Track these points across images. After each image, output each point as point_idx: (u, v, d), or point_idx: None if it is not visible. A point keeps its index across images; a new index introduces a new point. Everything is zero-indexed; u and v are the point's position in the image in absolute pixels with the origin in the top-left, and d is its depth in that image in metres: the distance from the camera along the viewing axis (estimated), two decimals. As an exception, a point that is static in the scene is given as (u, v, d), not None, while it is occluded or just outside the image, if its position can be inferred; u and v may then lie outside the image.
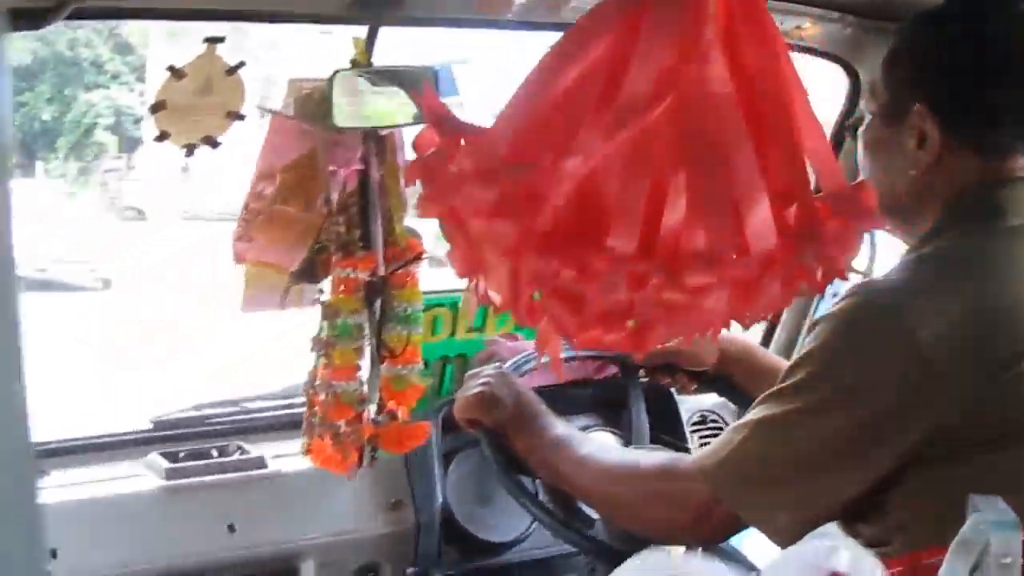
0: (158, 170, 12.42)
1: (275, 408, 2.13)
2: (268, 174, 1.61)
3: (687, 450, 2.04)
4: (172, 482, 1.83)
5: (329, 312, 1.64)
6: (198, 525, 1.82)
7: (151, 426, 2.00)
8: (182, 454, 1.90)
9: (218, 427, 2.05)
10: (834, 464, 1.38)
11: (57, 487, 1.75)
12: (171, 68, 1.47)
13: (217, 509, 1.85)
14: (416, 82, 1.60)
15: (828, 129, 2.11)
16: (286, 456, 1.95)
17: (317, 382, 1.66)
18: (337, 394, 1.62)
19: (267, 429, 2.07)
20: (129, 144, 14.17)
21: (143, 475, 1.85)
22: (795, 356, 1.47)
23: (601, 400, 2.10)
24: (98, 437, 1.98)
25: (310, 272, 1.68)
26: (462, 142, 1.09)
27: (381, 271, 1.68)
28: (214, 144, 1.57)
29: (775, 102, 1.09)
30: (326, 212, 1.62)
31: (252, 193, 1.62)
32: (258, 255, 1.62)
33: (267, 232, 1.60)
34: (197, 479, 1.86)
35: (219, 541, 1.82)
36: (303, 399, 1.80)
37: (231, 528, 1.83)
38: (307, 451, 1.74)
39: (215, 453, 1.94)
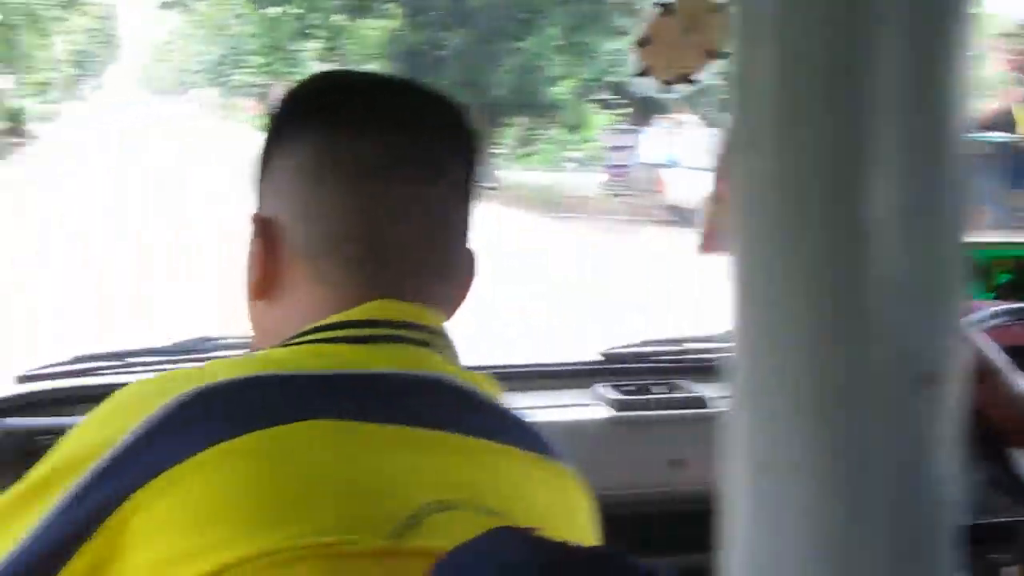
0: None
1: (717, 351, 2.14)
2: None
3: None
4: (621, 414, 1.89)
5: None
6: (642, 458, 1.88)
7: (600, 359, 2.07)
8: (628, 388, 1.96)
9: (662, 364, 2.09)
10: None
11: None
12: (661, 4, 1.50)
13: (661, 444, 1.89)
14: None
15: None
16: (727, 398, 1.96)
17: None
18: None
19: (708, 371, 2.09)
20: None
21: (593, 405, 1.92)
22: None
23: None
24: (549, 365, 2.09)
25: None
26: None
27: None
28: (690, 82, 1.59)
29: None
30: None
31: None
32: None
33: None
34: (643, 413, 1.91)
35: (662, 475, 1.86)
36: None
37: (673, 464, 1.87)
38: None
39: (659, 390, 1.98)
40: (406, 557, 0.77)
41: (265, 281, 0.94)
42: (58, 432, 1.53)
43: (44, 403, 1.73)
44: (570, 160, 16.30)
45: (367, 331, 0.89)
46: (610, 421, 1.88)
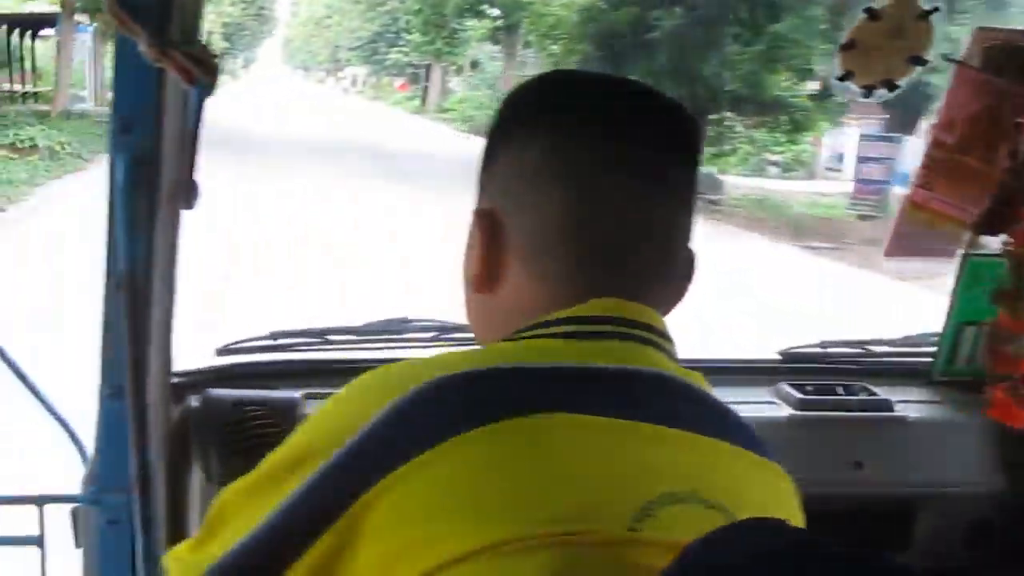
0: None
1: (900, 355, 2.14)
2: (949, 124, 1.62)
3: None
4: (802, 413, 1.91)
5: (1014, 264, 1.62)
6: (824, 457, 1.89)
7: (780, 358, 2.09)
8: (809, 388, 1.97)
9: (842, 366, 2.10)
10: None
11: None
12: (868, 9, 1.52)
13: (843, 445, 1.90)
14: None
15: None
16: (910, 402, 1.97)
17: (1002, 334, 1.65)
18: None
19: (890, 373, 2.09)
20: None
21: (774, 403, 1.95)
22: None
23: None
24: (729, 362, 2.12)
25: (990, 224, 1.66)
26: None
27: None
28: (892, 87, 1.60)
29: None
30: (1008, 165, 1.59)
31: (934, 142, 1.63)
32: (939, 205, 1.64)
33: (947, 182, 1.61)
34: (825, 413, 1.92)
35: (844, 475, 1.87)
36: (930, 348, 1.79)
37: (857, 465, 1.88)
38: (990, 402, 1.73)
39: (840, 391, 1.98)
40: (643, 547, 0.80)
41: (486, 274, 0.99)
42: (258, 403, 1.66)
43: (244, 376, 1.82)
44: (772, 164, 14.80)
45: (594, 327, 0.93)
46: (792, 420, 1.89)
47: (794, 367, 2.06)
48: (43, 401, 1.63)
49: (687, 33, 16.07)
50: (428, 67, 43.77)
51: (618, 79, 1.03)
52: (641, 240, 0.96)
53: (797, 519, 0.96)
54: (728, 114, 17.88)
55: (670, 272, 0.99)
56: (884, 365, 2.12)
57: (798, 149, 19.90)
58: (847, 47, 1.55)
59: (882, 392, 1.97)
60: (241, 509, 0.90)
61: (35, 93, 25.32)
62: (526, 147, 0.97)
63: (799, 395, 1.93)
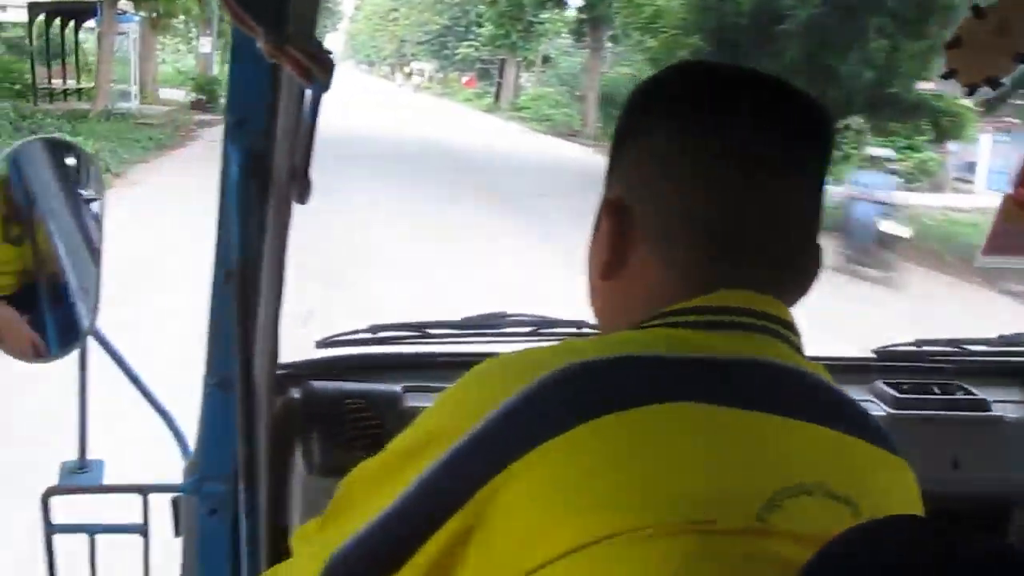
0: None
1: (996, 354, 2.12)
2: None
3: None
4: (898, 412, 1.90)
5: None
6: (920, 456, 1.87)
7: (875, 356, 2.08)
8: (905, 386, 1.95)
9: (938, 365, 2.08)
10: None
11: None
12: (975, 7, 1.51)
13: (939, 444, 1.88)
14: None
15: None
16: (1007, 402, 1.95)
17: None
18: None
19: (986, 373, 2.07)
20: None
21: (870, 401, 1.93)
22: None
23: None
24: (824, 359, 2.10)
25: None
26: None
27: None
28: (995, 85, 1.59)
29: None
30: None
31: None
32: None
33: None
34: (922, 412, 1.91)
35: (940, 475, 1.85)
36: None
37: (954, 464, 1.86)
38: None
39: (936, 390, 1.97)
40: (772, 537, 0.82)
41: (614, 262, 1.00)
42: (359, 396, 1.69)
43: (344, 369, 1.84)
44: (891, 173, 13.65)
45: (724, 318, 0.93)
46: (889, 418, 1.88)
47: (889, 365, 2.05)
48: (145, 392, 1.67)
49: (825, 25, 14.55)
50: (502, 62, 42.78)
51: (749, 70, 1.03)
52: (770, 232, 0.97)
53: (919, 511, 0.96)
54: (856, 118, 16.47)
55: (799, 264, 1.00)
56: (980, 364, 2.10)
57: (922, 157, 18.47)
58: (952, 45, 1.54)
59: (979, 392, 1.96)
60: (368, 492, 0.92)
61: (78, 90, 24.05)
62: (657, 136, 0.98)
63: (896, 394, 1.92)
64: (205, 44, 32.16)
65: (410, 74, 77.32)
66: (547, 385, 0.86)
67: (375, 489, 0.91)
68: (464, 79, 58.01)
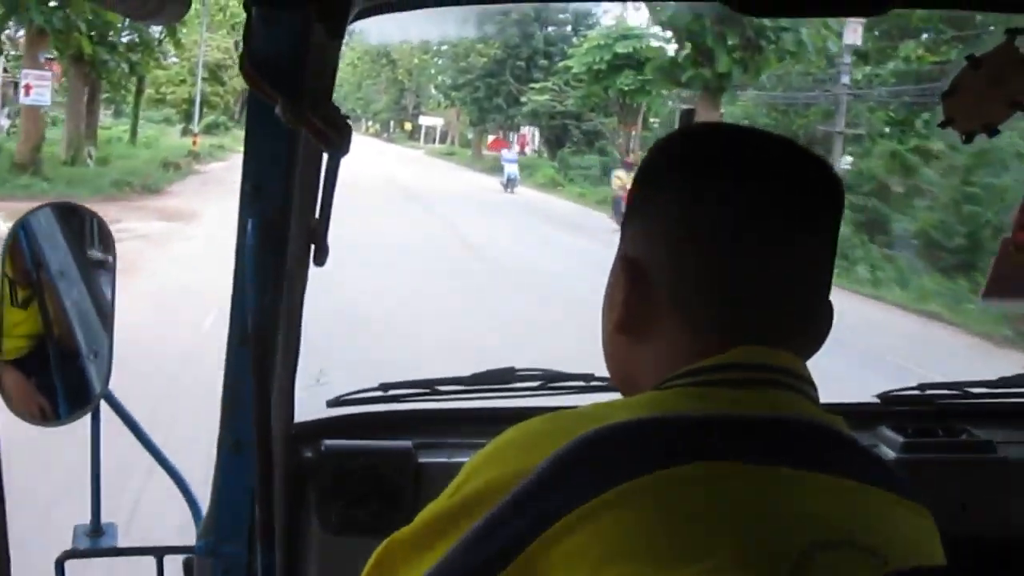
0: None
1: (999, 395, 2.14)
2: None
3: None
4: (905, 456, 1.91)
5: None
6: (928, 500, 1.88)
7: (878, 401, 2.10)
8: (910, 431, 1.97)
9: (942, 408, 2.10)
10: None
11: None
12: (970, 57, 1.54)
13: (947, 487, 1.89)
14: None
15: None
16: (1012, 443, 1.96)
17: None
18: None
19: (990, 415, 2.08)
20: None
21: (876, 446, 1.94)
22: None
23: None
24: (830, 406, 2.12)
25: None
26: None
27: None
28: (991, 132, 1.62)
29: None
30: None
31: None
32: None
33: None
34: (928, 455, 1.92)
35: (948, 518, 1.85)
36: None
37: (962, 507, 1.87)
38: None
39: (941, 433, 1.98)
40: None
41: (629, 320, 1.01)
42: (372, 454, 1.69)
43: (356, 427, 1.85)
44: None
45: (742, 375, 0.95)
46: (896, 463, 1.89)
47: (894, 410, 2.07)
48: (157, 455, 1.67)
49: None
50: (626, 120, 34.04)
51: (761, 132, 1.05)
52: (785, 291, 0.98)
53: (940, 557, 0.97)
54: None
55: (811, 321, 1.01)
56: (983, 407, 2.12)
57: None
58: (949, 95, 1.58)
59: (983, 433, 1.97)
60: (407, 561, 0.93)
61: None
62: (673, 197, 1.00)
63: (901, 438, 1.93)
64: (41, 92, 22.95)
65: (412, 130, 68.04)
66: (579, 450, 0.87)
67: (413, 558, 0.92)
68: (491, 138, 47.79)
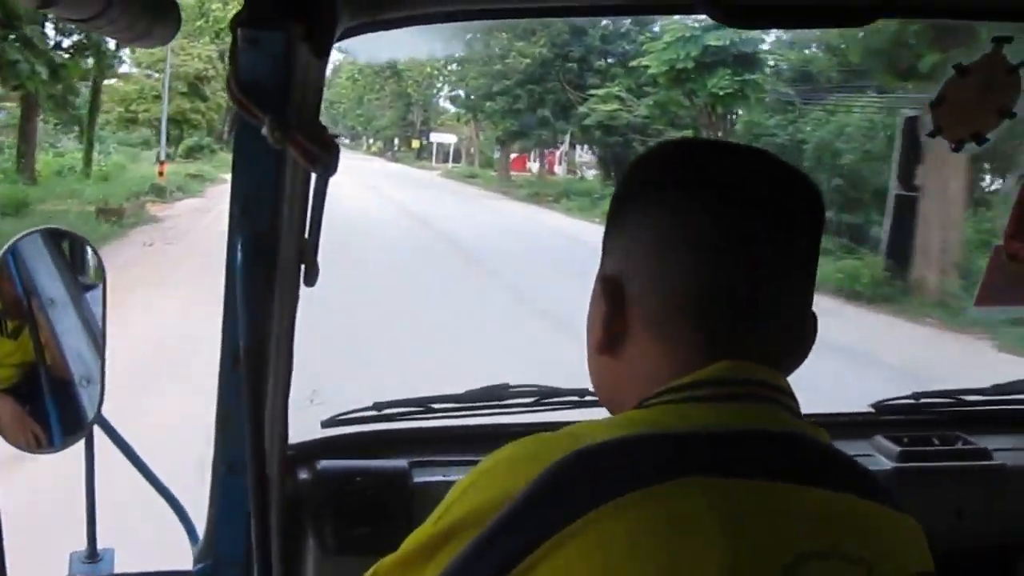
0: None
1: (993, 403, 2.14)
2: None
3: None
4: (901, 464, 1.91)
5: None
6: (924, 508, 1.88)
7: (873, 411, 2.10)
8: (905, 439, 1.97)
9: (936, 417, 2.10)
10: None
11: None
12: (958, 66, 1.55)
13: (942, 495, 1.90)
14: None
15: None
16: (1007, 450, 1.97)
17: None
18: None
19: (985, 422, 2.09)
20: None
21: (871, 455, 1.94)
22: None
23: None
24: (825, 416, 2.12)
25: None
26: None
27: None
28: (981, 141, 1.63)
29: None
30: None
31: (1024, 188, 1.65)
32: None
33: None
34: (924, 464, 1.92)
35: (944, 525, 1.86)
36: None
37: (957, 514, 1.87)
38: None
39: (936, 441, 1.98)
40: None
41: (609, 339, 1.01)
42: (368, 474, 1.69)
43: (351, 447, 1.84)
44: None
45: (725, 390, 0.94)
46: (892, 472, 1.89)
47: (888, 420, 2.07)
48: (152, 479, 1.66)
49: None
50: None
51: (739, 146, 1.05)
52: (768, 305, 0.98)
53: (929, 565, 0.98)
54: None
55: (793, 335, 1.01)
56: (977, 414, 2.12)
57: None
58: (938, 104, 1.58)
59: (978, 441, 1.97)
60: None
61: None
62: (652, 214, 1.00)
63: (896, 447, 1.93)
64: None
65: (420, 148, 60.31)
66: (564, 470, 0.88)
67: None
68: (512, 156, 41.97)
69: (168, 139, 37.20)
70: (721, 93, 23.88)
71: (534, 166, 45.03)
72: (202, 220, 20.90)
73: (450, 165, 54.48)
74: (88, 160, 26.07)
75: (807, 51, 24.67)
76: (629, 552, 0.83)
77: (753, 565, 0.84)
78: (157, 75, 37.34)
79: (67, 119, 27.33)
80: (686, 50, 23.64)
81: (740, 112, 25.54)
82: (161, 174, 27.17)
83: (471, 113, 43.20)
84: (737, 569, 0.83)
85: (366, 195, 29.23)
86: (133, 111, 39.14)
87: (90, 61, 23.15)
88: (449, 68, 48.42)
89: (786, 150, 20.44)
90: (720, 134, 24.50)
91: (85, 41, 21.94)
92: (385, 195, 31.66)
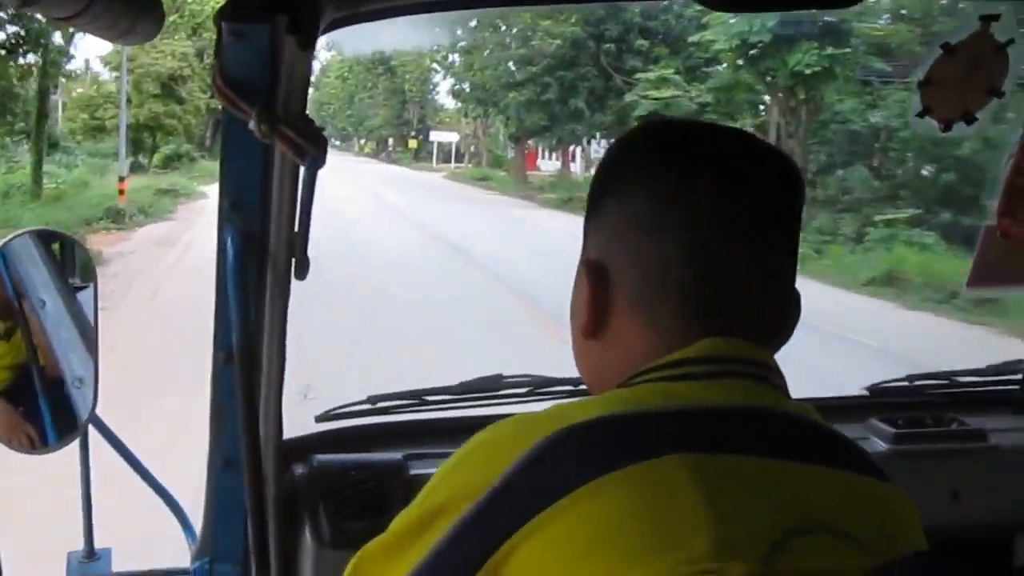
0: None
1: (987, 383, 2.14)
2: (1024, 148, 1.63)
3: None
4: (896, 447, 1.91)
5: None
6: (920, 490, 1.88)
7: (867, 394, 2.10)
8: (900, 422, 1.97)
9: (930, 398, 2.10)
10: None
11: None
12: (945, 45, 1.55)
13: (938, 476, 1.90)
14: None
15: None
16: (1002, 431, 1.97)
17: None
18: None
19: (979, 403, 2.09)
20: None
21: (867, 438, 1.95)
22: None
23: None
24: (817, 400, 2.12)
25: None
26: None
27: None
28: (971, 120, 1.63)
29: None
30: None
31: (1015, 168, 1.64)
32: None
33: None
34: (919, 446, 1.92)
35: (941, 507, 1.86)
36: (1017, 375, 1.79)
37: (953, 495, 1.88)
38: None
39: (931, 423, 1.99)
40: None
41: (594, 322, 1.01)
42: (363, 467, 1.68)
43: (346, 441, 1.84)
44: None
45: (711, 367, 0.94)
46: (887, 454, 1.90)
47: (883, 402, 2.07)
48: (147, 477, 1.66)
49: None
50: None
51: (718, 127, 1.05)
52: (751, 284, 0.98)
53: (921, 542, 0.97)
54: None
55: (776, 313, 1.01)
56: (971, 395, 2.12)
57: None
58: (925, 84, 1.58)
59: (973, 422, 1.97)
60: (380, 570, 0.93)
61: None
62: (632, 197, 1.00)
63: (891, 429, 1.93)
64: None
65: (418, 148, 54.92)
66: (545, 450, 0.87)
67: (387, 567, 0.92)
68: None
69: (141, 148, 34.07)
70: (807, 72, 19.24)
71: (546, 164, 40.92)
72: (165, 258, 15.88)
73: (453, 166, 50.82)
74: (37, 177, 21.52)
75: (879, 22, 20.04)
76: (614, 530, 0.83)
77: (739, 541, 0.83)
78: (128, 76, 31.71)
79: (7, 128, 23.50)
80: (761, 20, 18.24)
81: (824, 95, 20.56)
82: (121, 193, 22.29)
83: (482, 107, 36.93)
84: (723, 546, 0.82)
85: (374, 214, 24.63)
86: (99, 117, 34.51)
87: (31, 58, 19.70)
88: (451, 59, 42.45)
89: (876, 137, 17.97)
90: (801, 124, 20.45)
91: (23, 34, 18.71)
92: (391, 206, 26.83)
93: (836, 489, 0.92)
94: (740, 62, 20.68)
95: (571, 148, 36.41)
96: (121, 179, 22.96)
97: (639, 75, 26.30)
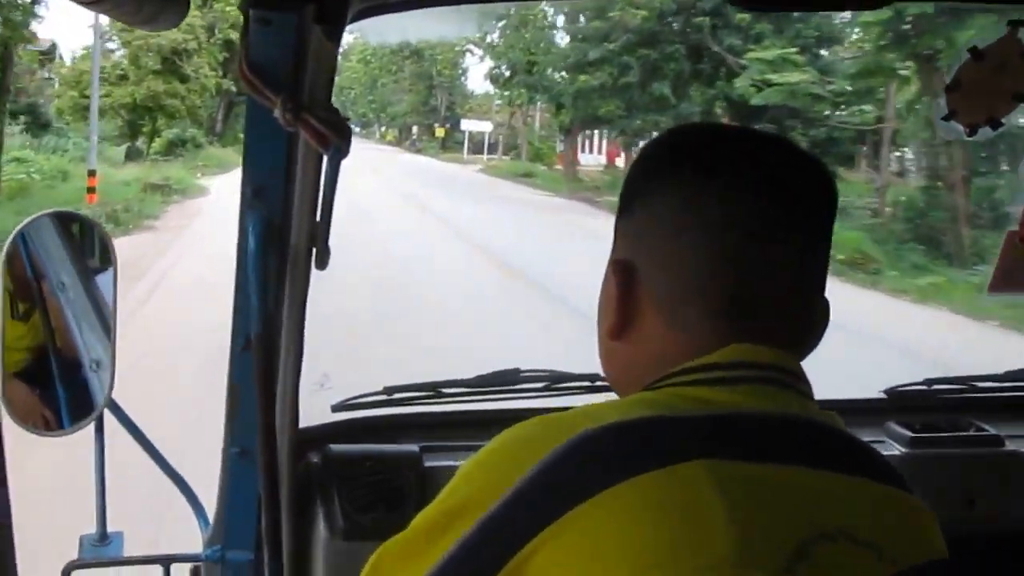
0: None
1: (1006, 389, 2.13)
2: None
3: None
4: (913, 451, 1.90)
5: None
6: (937, 495, 1.87)
7: (885, 397, 2.09)
8: (918, 426, 1.96)
9: (948, 403, 2.09)
10: None
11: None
12: (973, 49, 1.53)
13: (955, 482, 1.89)
14: None
15: None
16: (1021, 437, 1.96)
17: None
18: None
19: (998, 408, 2.08)
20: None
21: (883, 442, 1.94)
22: None
23: None
24: (835, 402, 2.11)
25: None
26: None
27: None
28: (996, 125, 1.61)
29: None
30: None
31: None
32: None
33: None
34: (936, 451, 1.91)
35: (957, 513, 1.86)
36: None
37: (970, 502, 1.87)
38: None
39: (949, 428, 1.98)
40: None
41: (621, 323, 1.01)
42: (377, 458, 1.69)
43: (361, 431, 1.85)
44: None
45: (737, 373, 0.94)
46: (904, 458, 1.89)
47: (901, 405, 2.06)
48: (162, 462, 1.67)
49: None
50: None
51: (752, 131, 1.05)
52: (780, 291, 0.97)
53: (942, 550, 0.97)
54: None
55: (805, 320, 1.00)
56: (990, 401, 2.11)
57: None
58: (952, 87, 1.57)
59: (991, 428, 1.96)
60: (399, 568, 0.93)
61: None
62: (664, 198, 0.99)
63: (909, 433, 1.92)
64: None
65: (445, 138, 50.34)
66: (570, 452, 0.87)
67: (407, 565, 0.92)
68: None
69: (138, 132, 30.35)
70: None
71: (586, 157, 36.60)
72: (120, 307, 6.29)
73: (486, 157, 46.07)
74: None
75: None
76: (636, 535, 0.82)
77: (760, 548, 0.83)
78: (124, 49, 29.08)
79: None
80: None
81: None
82: (90, 192, 17.59)
83: (529, 92, 32.65)
84: (743, 553, 0.82)
85: (409, 217, 20.37)
86: (89, 95, 26.53)
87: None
88: (489, 39, 36.97)
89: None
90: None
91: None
92: (432, 211, 21.77)
93: (859, 498, 0.92)
94: (883, 42, 16.99)
95: (616, 143, 32.60)
96: (91, 174, 18.58)
97: (749, 55, 21.27)
